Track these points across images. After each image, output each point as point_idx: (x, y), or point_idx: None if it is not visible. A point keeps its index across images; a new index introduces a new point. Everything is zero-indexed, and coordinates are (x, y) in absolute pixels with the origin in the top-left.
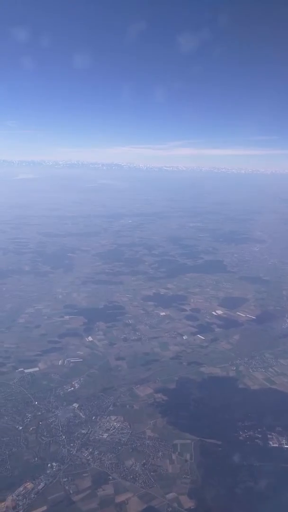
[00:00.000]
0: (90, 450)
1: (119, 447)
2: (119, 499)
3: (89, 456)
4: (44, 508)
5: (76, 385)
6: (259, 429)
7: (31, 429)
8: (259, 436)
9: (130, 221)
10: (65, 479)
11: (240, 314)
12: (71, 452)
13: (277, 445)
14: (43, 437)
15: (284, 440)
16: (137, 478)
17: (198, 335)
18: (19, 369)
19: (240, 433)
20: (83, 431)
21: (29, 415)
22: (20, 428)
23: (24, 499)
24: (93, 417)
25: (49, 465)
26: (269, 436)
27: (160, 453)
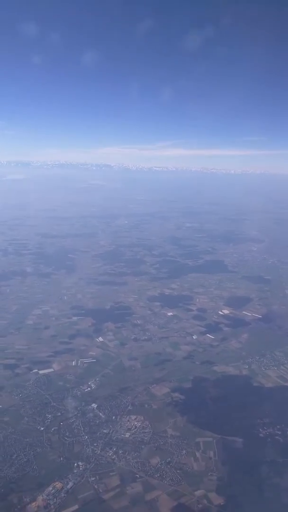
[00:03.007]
0: (114, 449)
1: (143, 446)
2: (149, 497)
3: (114, 455)
4: (76, 507)
5: (92, 385)
6: (278, 426)
7: (53, 429)
8: (279, 432)
9: (126, 222)
10: (93, 478)
11: (246, 313)
12: (96, 451)
13: None
14: (66, 438)
15: None
16: (164, 476)
17: (208, 335)
18: (34, 370)
19: (260, 430)
20: (104, 431)
21: (49, 416)
22: (42, 429)
23: (55, 499)
24: (113, 417)
25: (75, 464)
26: None
27: (184, 451)
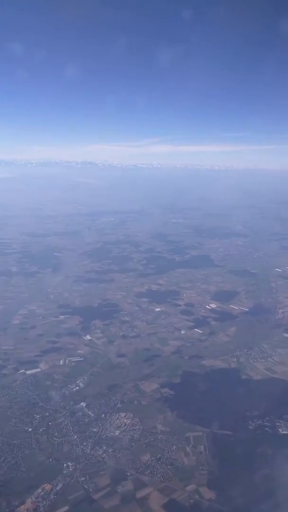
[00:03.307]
0: (104, 448)
1: (133, 443)
2: (140, 494)
3: (104, 454)
4: (66, 508)
5: (80, 384)
6: (267, 418)
7: (41, 430)
8: (268, 424)
9: (112, 219)
10: (83, 478)
11: (234, 307)
12: (85, 451)
13: (286, 432)
14: (54, 438)
15: None
16: (155, 473)
17: (196, 329)
18: (21, 371)
19: (250, 422)
20: (94, 430)
21: (37, 416)
22: (30, 429)
23: (44, 501)
24: (103, 415)
25: (64, 465)
26: (277, 424)
27: (174, 446)
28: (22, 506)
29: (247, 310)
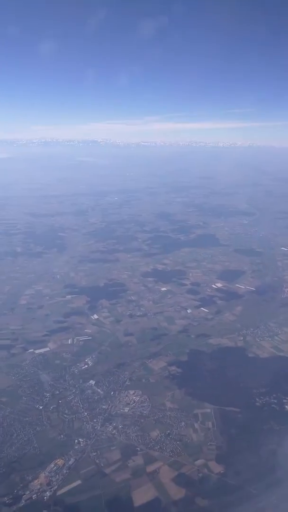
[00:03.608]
0: (114, 424)
1: (142, 420)
2: (150, 468)
3: (114, 430)
4: (79, 482)
5: (89, 362)
6: (273, 395)
7: (51, 407)
8: (275, 401)
9: (116, 198)
10: (94, 454)
11: (240, 286)
12: (95, 427)
13: None
14: (65, 415)
15: None
16: (164, 448)
17: (202, 308)
18: (29, 350)
19: (256, 399)
20: (103, 407)
21: (48, 394)
22: (41, 407)
23: (57, 475)
24: (112, 393)
25: (76, 441)
26: (284, 401)
27: (183, 423)
28: (36, 481)
29: (253, 289)
